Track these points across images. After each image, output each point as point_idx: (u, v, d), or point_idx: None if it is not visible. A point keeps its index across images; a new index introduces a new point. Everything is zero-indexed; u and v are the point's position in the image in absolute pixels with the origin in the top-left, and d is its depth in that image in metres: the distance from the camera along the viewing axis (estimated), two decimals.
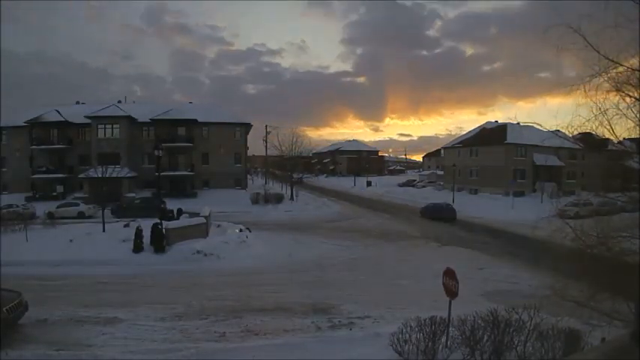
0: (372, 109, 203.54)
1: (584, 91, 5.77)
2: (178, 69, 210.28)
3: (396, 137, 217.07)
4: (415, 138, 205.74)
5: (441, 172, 53.99)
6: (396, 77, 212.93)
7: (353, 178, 63.28)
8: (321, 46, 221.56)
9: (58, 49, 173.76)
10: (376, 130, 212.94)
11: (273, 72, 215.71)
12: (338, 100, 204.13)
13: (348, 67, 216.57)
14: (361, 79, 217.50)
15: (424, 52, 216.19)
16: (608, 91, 5.77)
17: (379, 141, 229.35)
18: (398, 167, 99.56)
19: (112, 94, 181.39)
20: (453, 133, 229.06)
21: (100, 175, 24.22)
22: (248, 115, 45.62)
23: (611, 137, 6.23)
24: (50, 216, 26.10)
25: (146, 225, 18.01)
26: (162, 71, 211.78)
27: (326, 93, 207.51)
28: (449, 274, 7.97)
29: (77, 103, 42.96)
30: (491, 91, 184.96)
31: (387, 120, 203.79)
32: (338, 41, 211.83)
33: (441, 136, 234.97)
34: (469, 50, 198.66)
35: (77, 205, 29.27)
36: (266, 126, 49.45)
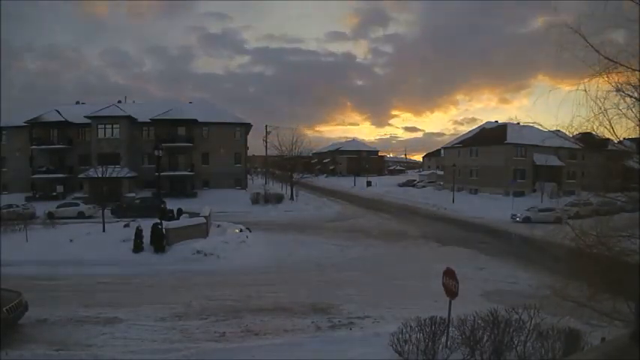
0: (374, 99, 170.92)
1: (585, 91, 5.77)
2: (89, 35, 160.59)
3: (400, 134, 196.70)
4: (421, 135, 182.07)
5: (441, 172, 53.98)
6: (405, 44, 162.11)
7: (353, 178, 63.26)
8: None
9: None
10: (379, 124, 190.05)
11: (226, 35, 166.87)
12: (332, 86, 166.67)
13: (338, 24, 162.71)
14: (359, 51, 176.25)
15: None
16: (608, 91, 5.77)
17: (382, 139, 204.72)
18: (398, 167, 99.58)
19: (29, 75, 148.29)
20: (462, 128, 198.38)
21: (100, 175, 24.20)
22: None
23: (612, 137, 6.23)
24: (50, 216, 26.07)
25: (146, 225, 18.00)
26: (69, 39, 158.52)
27: (316, 75, 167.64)
28: (449, 274, 7.97)
29: (77, 103, 43.03)
30: (531, 65, 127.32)
31: (394, 111, 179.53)
32: None
33: (448, 132, 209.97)
34: None
35: (77, 205, 29.26)
36: (266, 126, 49.53)
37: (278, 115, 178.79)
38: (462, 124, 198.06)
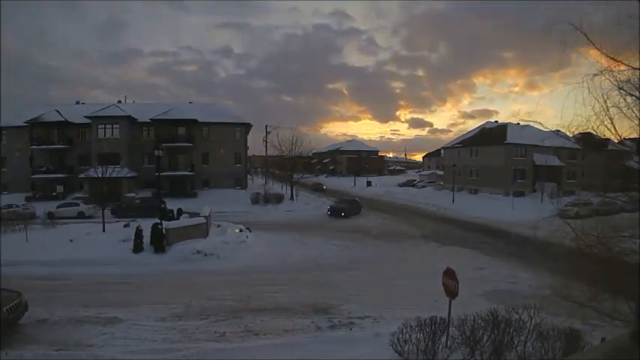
0: (376, 87, 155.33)
1: (587, 89, 5.78)
2: None
3: (404, 130, 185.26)
4: (426, 132, 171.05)
5: (441, 172, 53.98)
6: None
7: (353, 178, 63.26)
8: None
9: None
10: (381, 119, 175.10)
11: None
12: (324, 67, 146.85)
13: None
14: (355, 8, 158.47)
15: None
16: (610, 90, 5.78)
17: (383, 138, 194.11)
18: (398, 167, 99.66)
19: None
20: (472, 122, 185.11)
21: (100, 175, 24.19)
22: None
23: (612, 137, 6.23)
24: (50, 216, 26.09)
25: (146, 225, 18.00)
26: None
27: (299, 48, 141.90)
28: (449, 274, 7.97)
29: (77, 103, 43.04)
30: (587, 32, 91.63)
31: (399, 100, 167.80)
32: None
33: (456, 128, 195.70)
34: None
35: (77, 205, 29.26)
36: (266, 126, 49.45)
37: (267, 109, 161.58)
38: (473, 116, 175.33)
